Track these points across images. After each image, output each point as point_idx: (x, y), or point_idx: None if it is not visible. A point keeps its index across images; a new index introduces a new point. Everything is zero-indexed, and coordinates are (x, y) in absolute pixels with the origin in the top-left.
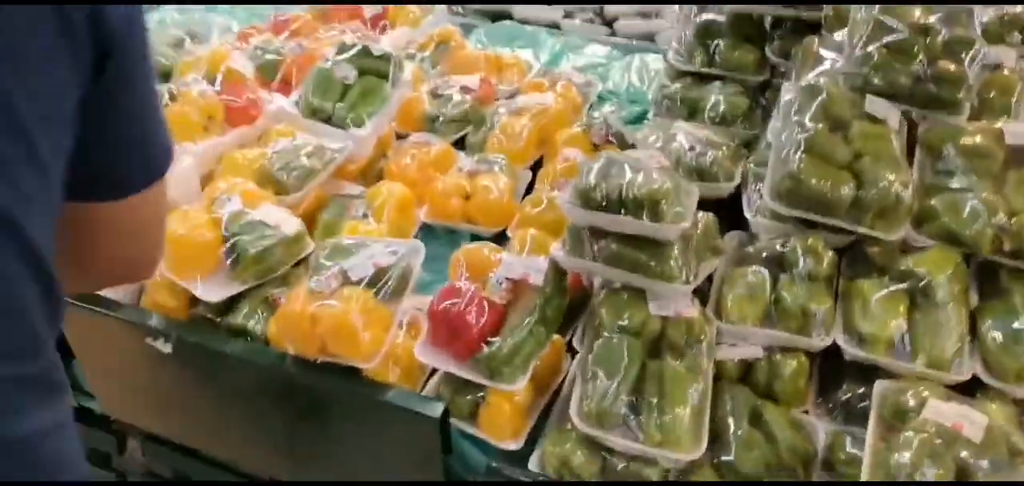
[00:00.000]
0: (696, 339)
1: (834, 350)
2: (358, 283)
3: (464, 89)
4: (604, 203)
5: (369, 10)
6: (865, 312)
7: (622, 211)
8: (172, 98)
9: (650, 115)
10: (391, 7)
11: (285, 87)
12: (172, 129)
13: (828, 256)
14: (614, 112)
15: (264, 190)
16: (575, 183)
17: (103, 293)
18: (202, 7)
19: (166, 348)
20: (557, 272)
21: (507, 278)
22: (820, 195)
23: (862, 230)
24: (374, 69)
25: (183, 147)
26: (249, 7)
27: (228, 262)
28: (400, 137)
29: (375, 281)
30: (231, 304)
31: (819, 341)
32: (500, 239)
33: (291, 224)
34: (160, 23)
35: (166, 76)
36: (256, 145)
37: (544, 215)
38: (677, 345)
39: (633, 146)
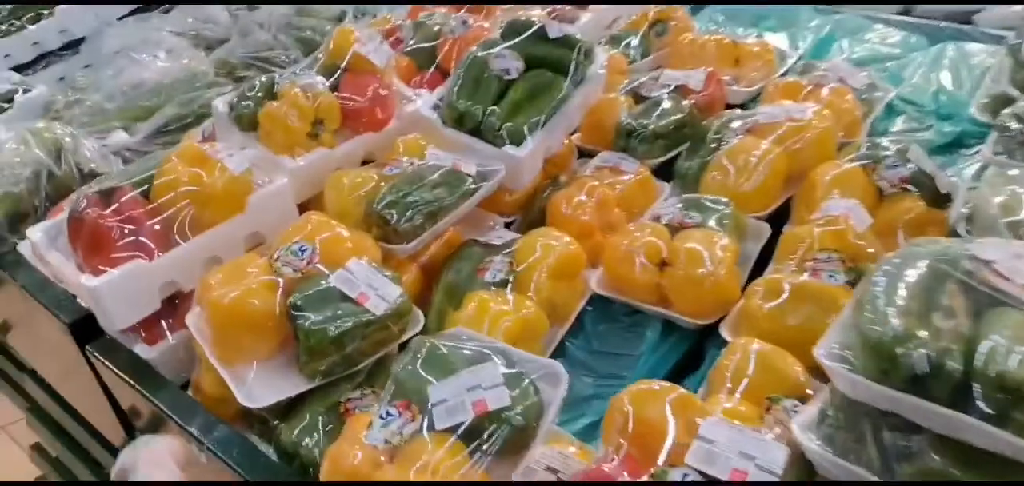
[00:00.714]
0: None
1: None
2: (446, 432)
3: (680, 90)
4: (923, 376)
5: None
6: None
7: (967, 404)
8: (270, 95)
9: (986, 147)
10: None
11: (442, 79)
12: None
13: None
14: (913, 134)
15: (365, 233)
16: (859, 312)
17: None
18: None
19: (200, 457)
20: (804, 474)
21: (700, 474)
22: None
23: None
24: (550, 59)
25: (276, 162)
26: None
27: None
28: (584, 155)
29: (473, 434)
30: (294, 405)
31: None
32: (710, 333)
33: (389, 294)
34: None
35: None
36: (375, 165)
37: (784, 315)
38: None
39: (948, 200)
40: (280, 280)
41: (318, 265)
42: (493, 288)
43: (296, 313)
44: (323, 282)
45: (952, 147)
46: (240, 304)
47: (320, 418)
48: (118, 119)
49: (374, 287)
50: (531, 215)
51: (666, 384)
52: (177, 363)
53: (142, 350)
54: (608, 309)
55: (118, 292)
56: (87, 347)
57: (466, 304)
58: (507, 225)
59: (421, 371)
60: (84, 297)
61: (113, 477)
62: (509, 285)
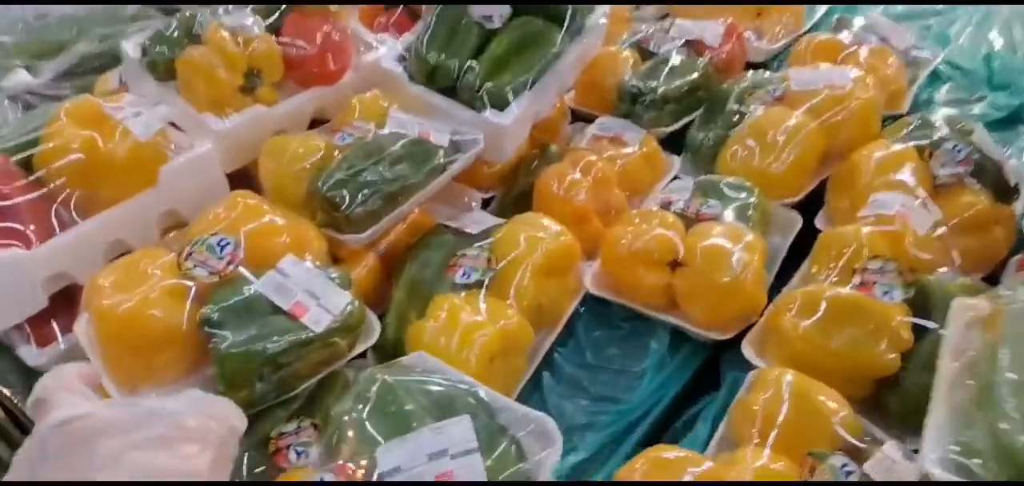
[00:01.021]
0: None
1: None
2: None
3: (694, 45)
4: None
5: None
6: None
7: None
8: (191, 38)
9: None
10: None
11: (412, 23)
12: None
13: None
14: (962, 107)
15: (307, 221)
16: (988, 407)
17: None
18: None
19: None
20: None
21: None
22: None
23: None
24: (540, 4)
25: (198, 122)
26: None
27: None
28: (579, 119)
29: None
30: None
31: None
32: (727, 346)
33: (334, 303)
34: None
35: None
36: (324, 130)
37: (825, 337)
38: None
39: (1014, 193)
40: (191, 285)
41: (241, 266)
42: (465, 290)
43: (211, 331)
44: (247, 289)
45: (1009, 122)
46: (135, 317)
47: (245, 456)
48: (19, 55)
49: (314, 294)
50: (514, 191)
51: (688, 453)
52: None
53: (29, 354)
54: (605, 312)
55: None
56: None
57: (433, 311)
58: (485, 203)
59: (369, 424)
60: None
61: (29, 407)
62: (485, 285)
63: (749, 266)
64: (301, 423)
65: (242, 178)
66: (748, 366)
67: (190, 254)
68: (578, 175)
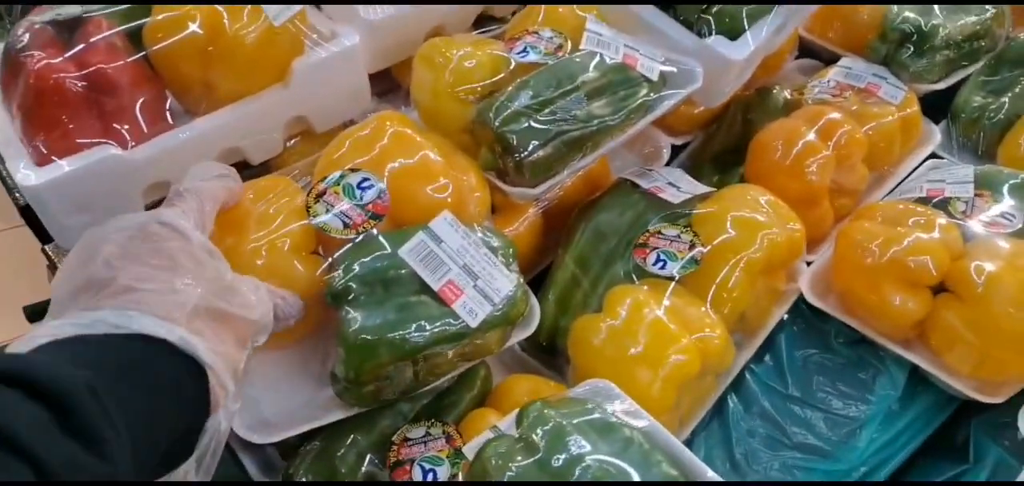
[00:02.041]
0: None
1: None
2: None
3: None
4: None
5: None
6: None
7: None
8: None
9: None
10: None
11: None
12: None
13: None
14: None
15: (469, 161)
16: None
17: None
18: None
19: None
20: None
21: None
22: None
23: None
24: None
25: (346, 8)
26: None
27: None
28: (807, 53)
29: None
30: None
31: None
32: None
33: (498, 288)
34: None
35: None
36: (498, 35)
37: None
38: None
39: None
40: (321, 232)
41: (382, 218)
42: (648, 278)
43: (339, 307)
44: (386, 253)
45: None
46: (245, 271)
47: (366, 459)
48: None
49: (472, 272)
50: (716, 142)
51: None
52: None
53: None
54: (819, 327)
55: (74, 195)
56: (45, 247)
57: (611, 305)
58: (674, 152)
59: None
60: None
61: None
62: (676, 275)
63: None
64: (430, 428)
65: (376, 82)
66: (1016, 444)
67: (322, 195)
68: (814, 137)
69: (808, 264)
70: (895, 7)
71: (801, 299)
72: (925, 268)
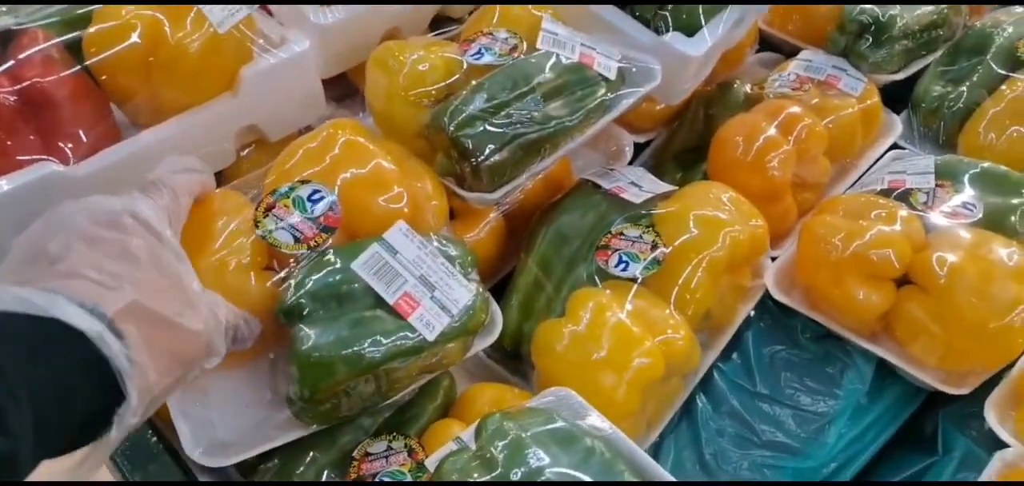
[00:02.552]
0: None
1: None
2: None
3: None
4: None
5: None
6: None
7: None
8: None
9: None
10: None
11: None
12: None
13: None
14: None
15: (424, 167)
16: None
17: None
18: None
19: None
20: None
21: None
22: None
23: None
24: None
25: (297, 11)
26: None
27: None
28: (768, 47)
29: None
30: None
31: None
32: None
33: (455, 299)
34: None
35: None
36: (452, 37)
37: None
38: None
39: None
40: (271, 247)
41: (334, 231)
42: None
43: (292, 324)
44: (341, 266)
45: None
46: None
47: (324, 475)
48: None
49: (429, 283)
50: (678, 139)
51: None
52: None
53: None
54: (785, 323)
55: (13, 215)
56: None
57: (574, 309)
58: (637, 150)
59: None
60: None
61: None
62: (639, 276)
63: (1019, 301)
64: (392, 442)
65: (332, 87)
66: (983, 435)
67: (272, 208)
68: (775, 131)
69: (773, 259)
70: None
71: (767, 295)
72: (888, 261)
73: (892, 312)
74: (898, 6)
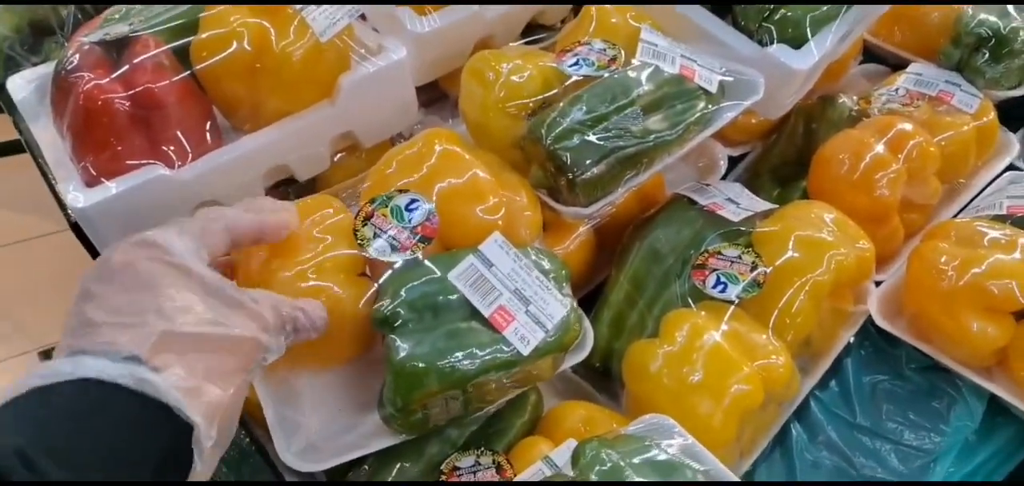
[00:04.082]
0: None
1: None
2: None
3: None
4: None
5: None
6: None
7: None
8: None
9: None
10: None
11: None
12: None
13: None
14: None
15: (519, 179)
16: None
17: None
18: None
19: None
20: None
21: None
22: None
23: None
24: None
25: (393, 17)
26: None
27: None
28: (872, 58)
29: None
30: None
31: None
32: None
33: (550, 314)
34: None
35: None
36: (547, 47)
37: None
38: None
39: None
40: (366, 259)
41: (431, 241)
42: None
43: (387, 333)
44: (435, 277)
45: None
46: (299, 295)
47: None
48: None
49: (524, 297)
50: (774, 152)
51: None
52: None
53: None
54: (888, 351)
55: (122, 216)
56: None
57: (668, 331)
58: (731, 163)
59: None
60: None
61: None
62: (736, 298)
63: None
64: (480, 456)
65: (421, 92)
66: None
67: (370, 217)
68: (883, 149)
69: (876, 284)
70: (970, 9)
71: (869, 321)
72: (1009, 293)
73: (1010, 347)
74: (1019, 18)
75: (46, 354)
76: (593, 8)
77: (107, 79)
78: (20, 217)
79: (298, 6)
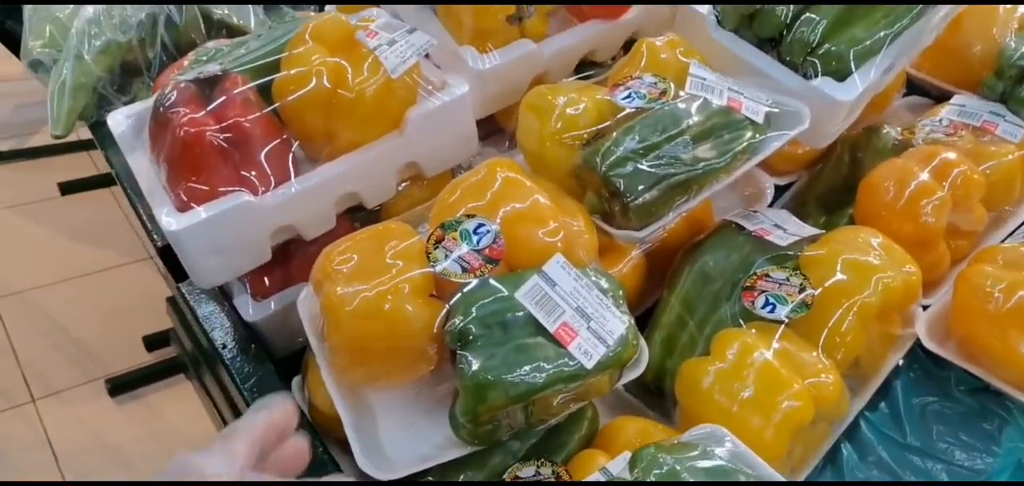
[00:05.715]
0: None
1: None
2: None
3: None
4: None
5: None
6: None
7: None
8: None
9: None
10: None
11: None
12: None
13: None
14: None
15: (576, 205)
16: None
17: None
18: None
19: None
20: None
21: None
22: None
23: None
24: None
25: (456, 55)
26: None
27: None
28: (915, 91)
29: None
30: None
31: None
32: None
33: (610, 330)
34: None
35: None
36: (601, 81)
37: None
38: None
39: None
40: (439, 276)
41: (498, 262)
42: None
43: (459, 349)
44: (503, 295)
45: None
46: (373, 316)
47: None
48: None
49: (585, 314)
50: (821, 181)
51: None
52: (290, 329)
53: (245, 306)
54: (937, 373)
55: (209, 238)
56: (180, 285)
57: (719, 349)
58: (777, 192)
59: None
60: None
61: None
62: (786, 318)
63: None
64: (540, 467)
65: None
66: None
67: (441, 241)
68: (927, 177)
69: (924, 308)
70: (1012, 42)
71: (917, 345)
72: None
73: None
74: None
75: (112, 382)
76: (643, 44)
77: (201, 113)
78: (96, 249)
79: (372, 44)
